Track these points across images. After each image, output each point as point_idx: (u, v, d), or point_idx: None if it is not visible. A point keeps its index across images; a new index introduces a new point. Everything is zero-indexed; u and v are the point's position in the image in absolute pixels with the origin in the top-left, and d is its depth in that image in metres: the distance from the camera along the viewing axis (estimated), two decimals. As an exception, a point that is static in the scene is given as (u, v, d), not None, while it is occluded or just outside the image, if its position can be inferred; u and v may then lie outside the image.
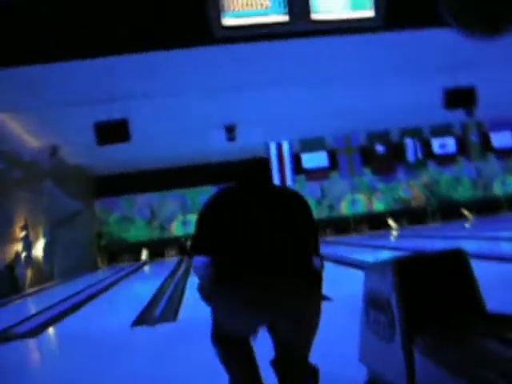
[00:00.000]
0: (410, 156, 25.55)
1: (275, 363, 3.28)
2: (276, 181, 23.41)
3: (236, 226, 3.14)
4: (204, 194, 29.12)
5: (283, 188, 3.71)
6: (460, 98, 15.26)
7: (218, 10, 5.03)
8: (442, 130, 24.67)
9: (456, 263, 3.27)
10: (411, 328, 2.99)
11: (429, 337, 2.83)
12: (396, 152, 24.97)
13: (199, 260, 3.16)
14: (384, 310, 3.27)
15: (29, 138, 18.03)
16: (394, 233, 26.42)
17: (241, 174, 3.33)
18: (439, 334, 2.85)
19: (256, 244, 3.06)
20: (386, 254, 14.61)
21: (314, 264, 3.15)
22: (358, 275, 10.63)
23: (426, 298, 3.13)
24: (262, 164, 3.43)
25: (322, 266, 3.23)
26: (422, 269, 3.25)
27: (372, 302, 3.54)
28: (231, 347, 3.20)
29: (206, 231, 3.23)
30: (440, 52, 13.77)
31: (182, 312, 8.63)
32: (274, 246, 3.06)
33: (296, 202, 3.31)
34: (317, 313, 3.19)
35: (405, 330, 3.01)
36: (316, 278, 3.14)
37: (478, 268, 3.35)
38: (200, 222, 3.28)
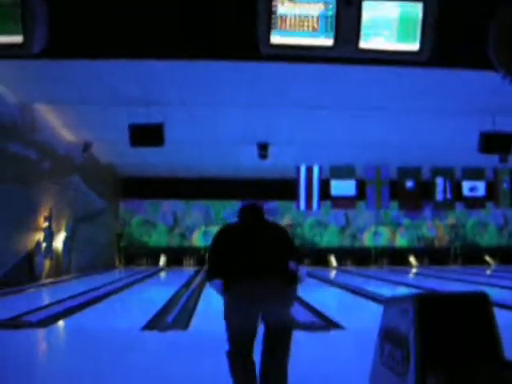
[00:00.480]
0: (439, 195, 25.28)
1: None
2: (303, 204, 23.37)
3: (238, 253, 4.33)
4: (228, 207, 29.18)
5: (270, 223, 4.71)
6: (496, 143, 15.13)
7: (268, 27, 5.04)
8: (473, 173, 24.44)
9: (479, 306, 3.22)
10: (426, 366, 2.94)
11: (443, 377, 2.78)
12: (425, 189, 24.73)
13: (216, 283, 4.32)
14: (400, 344, 3.22)
15: (64, 132, 18.20)
16: (414, 270, 26.19)
17: (241, 215, 4.60)
18: (454, 376, 2.80)
19: (252, 263, 4.25)
20: (403, 291, 14.48)
21: (291, 269, 4.37)
22: (373, 307, 10.58)
23: (445, 338, 3.07)
24: (257, 208, 4.60)
25: (298, 270, 4.44)
26: (443, 307, 3.19)
27: (388, 335, 3.50)
28: (239, 359, 4.20)
29: (218, 261, 4.38)
30: (481, 95, 13.69)
31: (194, 322, 8.61)
32: (263, 262, 4.26)
33: (280, 231, 4.62)
34: (290, 297, 4.46)
35: (419, 367, 2.96)
36: (292, 277, 4.39)
37: (497, 316, 3.30)
38: (212, 254, 4.45)
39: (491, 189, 25.51)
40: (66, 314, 9.52)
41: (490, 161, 19.71)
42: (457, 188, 25.19)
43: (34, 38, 4.87)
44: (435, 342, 3.04)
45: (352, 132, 17.94)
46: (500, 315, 3.36)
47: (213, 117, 16.11)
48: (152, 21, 6.43)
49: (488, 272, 24.22)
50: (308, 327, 8.02)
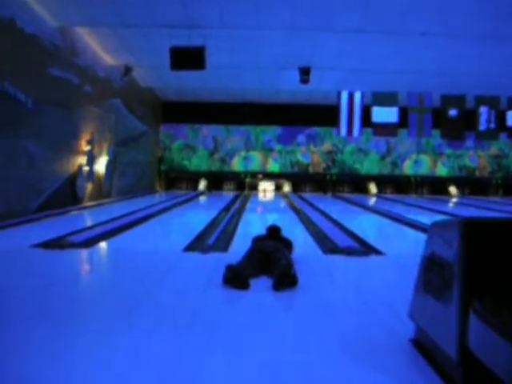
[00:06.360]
0: (483, 125, 24.75)
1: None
2: (344, 130, 23.05)
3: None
4: (268, 132, 29.11)
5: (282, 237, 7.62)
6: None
7: None
8: (519, 103, 23.90)
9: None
10: (471, 290, 2.91)
11: (488, 302, 2.74)
12: (468, 118, 24.23)
13: None
14: (445, 268, 3.19)
15: (104, 56, 18.17)
16: (454, 200, 26.01)
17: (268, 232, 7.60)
18: (500, 301, 2.76)
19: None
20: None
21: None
22: (413, 235, 10.56)
23: (491, 263, 3.02)
24: (277, 229, 7.65)
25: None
26: (491, 233, 3.12)
27: (433, 259, 3.46)
28: None
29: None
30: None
31: (234, 244, 8.70)
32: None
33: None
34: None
35: (464, 291, 2.93)
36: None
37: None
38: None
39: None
40: (108, 235, 9.69)
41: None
42: (501, 118, 24.66)
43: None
44: (481, 269, 2.99)
45: (396, 58, 17.60)
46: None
47: (254, 40, 15.90)
48: None
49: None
50: (348, 252, 8.06)
